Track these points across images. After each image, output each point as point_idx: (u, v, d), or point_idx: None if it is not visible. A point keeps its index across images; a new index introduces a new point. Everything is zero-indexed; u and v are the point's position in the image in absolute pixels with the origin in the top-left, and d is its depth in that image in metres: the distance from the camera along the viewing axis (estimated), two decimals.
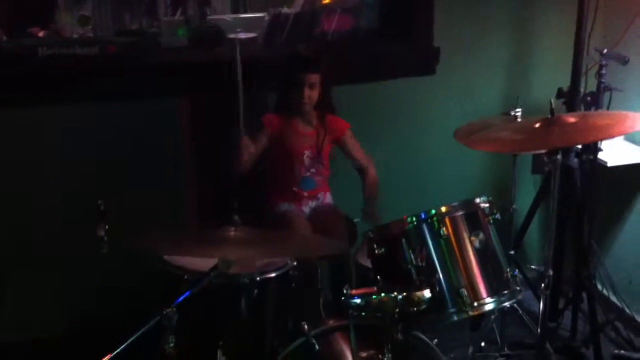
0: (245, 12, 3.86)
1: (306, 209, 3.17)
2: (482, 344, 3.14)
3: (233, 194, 2.84)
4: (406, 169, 3.57)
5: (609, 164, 3.33)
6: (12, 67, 3.14)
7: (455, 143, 2.83)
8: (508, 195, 3.20)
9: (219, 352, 2.54)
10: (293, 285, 2.72)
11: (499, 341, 3.27)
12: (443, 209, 2.38)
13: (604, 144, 3.36)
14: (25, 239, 3.20)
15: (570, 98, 3.24)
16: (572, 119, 2.39)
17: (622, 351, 3.15)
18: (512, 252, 3.07)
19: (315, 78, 3.03)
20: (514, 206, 3.02)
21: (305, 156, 3.12)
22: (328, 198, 3.23)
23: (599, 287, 3.59)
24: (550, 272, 2.53)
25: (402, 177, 3.47)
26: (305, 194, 3.16)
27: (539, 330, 2.61)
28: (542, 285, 2.53)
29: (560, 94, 3.26)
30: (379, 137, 3.54)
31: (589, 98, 3.22)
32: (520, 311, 3.28)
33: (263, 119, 3.12)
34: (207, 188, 3.36)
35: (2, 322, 3.21)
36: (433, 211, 2.37)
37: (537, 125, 2.44)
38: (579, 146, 3.27)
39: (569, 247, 3.40)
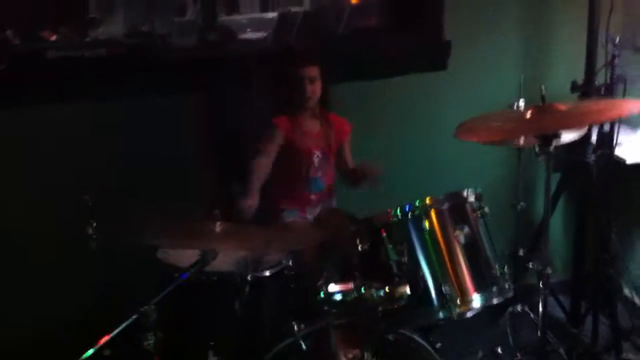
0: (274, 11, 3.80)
1: (310, 216, 3.08)
2: (499, 350, 3.02)
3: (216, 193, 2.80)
4: (418, 165, 3.48)
5: (628, 162, 3.17)
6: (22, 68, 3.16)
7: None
8: (524, 193, 3.08)
9: (210, 353, 2.50)
10: (292, 285, 2.67)
11: (512, 345, 3.13)
12: (428, 200, 2.30)
13: (625, 140, 3.20)
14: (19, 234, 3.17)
15: (585, 91, 3.11)
16: (563, 107, 2.29)
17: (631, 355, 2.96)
18: (520, 253, 2.92)
19: (314, 71, 2.94)
20: (521, 203, 2.89)
21: (314, 157, 3.03)
22: (333, 204, 3.14)
23: (627, 292, 3.42)
24: (549, 271, 2.42)
25: (414, 174, 3.38)
26: (313, 196, 3.07)
27: (538, 333, 2.48)
28: (540, 284, 2.42)
29: (574, 87, 3.13)
30: (391, 133, 3.47)
31: (603, 90, 3.07)
32: (532, 315, 3.13)
33: (275, 120, 3.01)
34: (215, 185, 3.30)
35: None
36: (417, 203, 2.29)
37: (529, 113, 2.34)
38: (594, 141, 3.14)
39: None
